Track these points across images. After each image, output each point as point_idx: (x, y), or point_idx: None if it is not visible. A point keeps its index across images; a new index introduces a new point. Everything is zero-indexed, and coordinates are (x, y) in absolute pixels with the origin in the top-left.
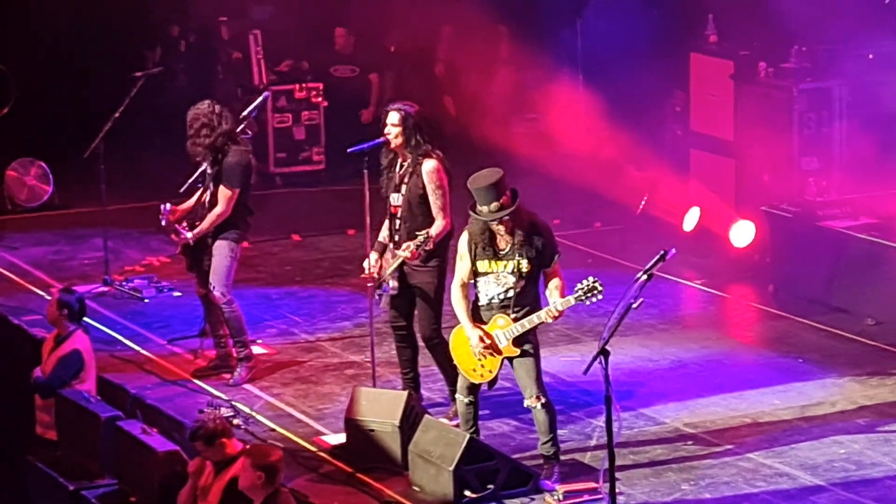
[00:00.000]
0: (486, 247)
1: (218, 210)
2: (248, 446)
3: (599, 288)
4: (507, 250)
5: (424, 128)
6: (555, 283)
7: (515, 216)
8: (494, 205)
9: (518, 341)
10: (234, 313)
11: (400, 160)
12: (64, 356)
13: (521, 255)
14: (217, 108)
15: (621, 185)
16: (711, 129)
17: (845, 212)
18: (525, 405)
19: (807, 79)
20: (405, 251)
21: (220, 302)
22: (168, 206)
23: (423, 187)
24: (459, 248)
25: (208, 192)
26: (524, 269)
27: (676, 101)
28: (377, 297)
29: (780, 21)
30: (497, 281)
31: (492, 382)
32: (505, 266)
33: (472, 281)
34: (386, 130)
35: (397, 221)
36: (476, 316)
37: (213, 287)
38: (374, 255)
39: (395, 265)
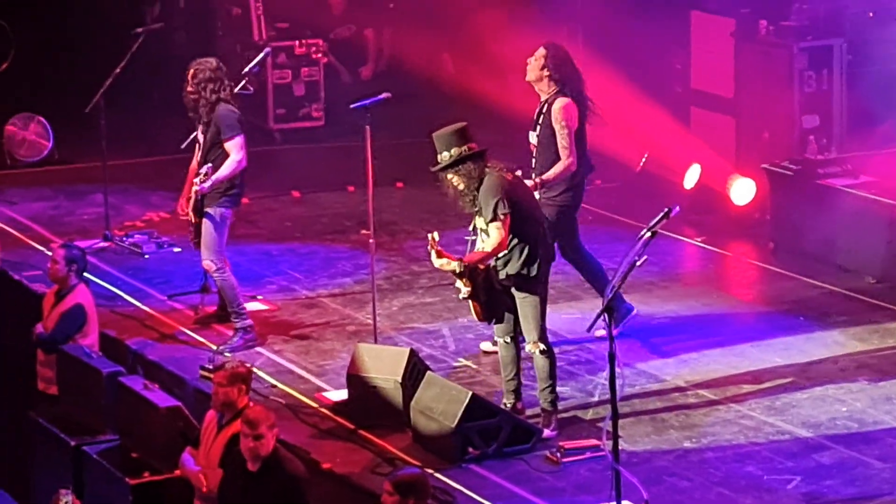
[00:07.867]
0: None
1: (236, 157)
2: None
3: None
4: None
5: (568, 66)
6: None
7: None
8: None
9: None
10: (227, 281)
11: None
12: (67, 311)
13: None
14: (223, 68)
15: (622, 143)
16: (712, 86)
17: (845, 170)
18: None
19: (807, 37)
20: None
21: (211, 271)
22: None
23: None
24: None
25: (199, 153)
26: None
27: (677, 58)
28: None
29: None
30: None
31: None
32: None
33: None
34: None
35: (533, 160)
36: None
37: (203, 258)
38: None
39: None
